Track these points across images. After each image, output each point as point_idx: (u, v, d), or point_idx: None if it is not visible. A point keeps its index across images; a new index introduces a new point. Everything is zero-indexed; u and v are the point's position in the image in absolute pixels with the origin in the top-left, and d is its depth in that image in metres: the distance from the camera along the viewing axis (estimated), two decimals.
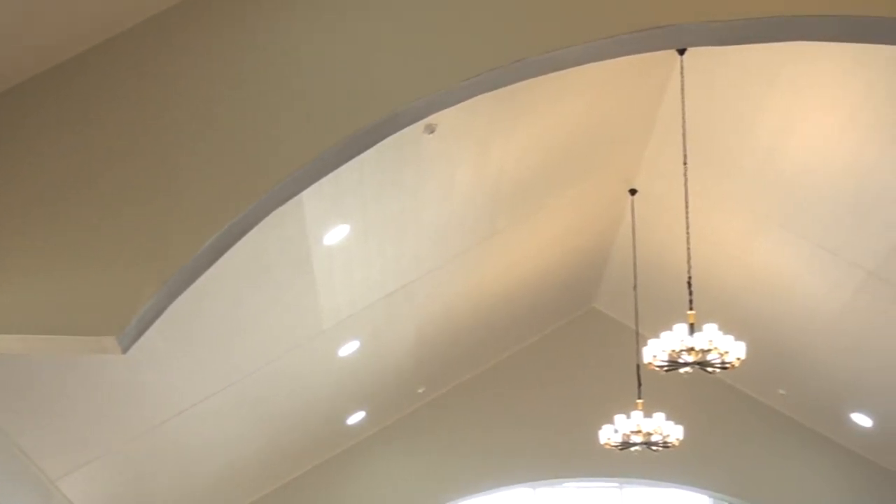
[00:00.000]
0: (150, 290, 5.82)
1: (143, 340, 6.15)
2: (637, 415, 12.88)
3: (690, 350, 10.50)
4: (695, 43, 6.13)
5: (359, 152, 6.12)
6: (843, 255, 11.89)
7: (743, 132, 11.24)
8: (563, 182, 12.44)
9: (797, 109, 10.49)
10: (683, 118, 10.73)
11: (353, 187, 9.64)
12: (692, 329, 10.55)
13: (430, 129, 9.40)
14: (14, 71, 5.99)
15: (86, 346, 5.94)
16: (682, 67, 10.47)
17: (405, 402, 15.93)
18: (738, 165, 11.74)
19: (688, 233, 11.32)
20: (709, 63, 10.38)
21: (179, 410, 11.25)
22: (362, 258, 11.02)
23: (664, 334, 10.64)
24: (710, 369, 10.63)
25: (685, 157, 10.90)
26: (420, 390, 15.76)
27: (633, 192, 13.28)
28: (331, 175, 6.24)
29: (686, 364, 10.58)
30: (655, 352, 10.71)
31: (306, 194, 8.55)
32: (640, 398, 13.33)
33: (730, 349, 10.49)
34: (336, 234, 10.18)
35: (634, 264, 13.95)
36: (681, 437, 12.91)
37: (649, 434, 12.78)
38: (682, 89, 10.57)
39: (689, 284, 10.86)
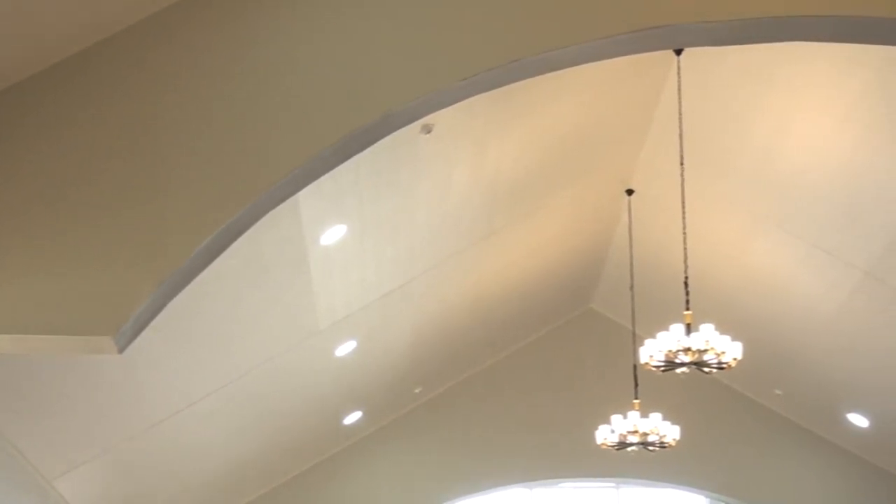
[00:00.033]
0: (146, 290, 5.81)
1: (139, 340, 6.14)
2: (634, 415, 12.88)
3: (687, 350, 10.50)
4: (692, 43, 6.13)
5: (355, 152, 6.11)
6: (839, 255, 11.90)
7: (739, 132, 11.25)
8: (559, 182, 12.44)
9: (793, 109, 10.50)
10: (680, 118, 10.74)
11: (350, 187, 9.63)
12: (689, 329, 10.55)
13: (427, 130, 9.40)
14: (11, 70, 5.99)
15: (82, 346, 5.94)
16: (678, 68, 10.48)
17: (402, 402, 15.93)
18: (735, 166, 11.75)
19: (684, 233, 11.32)
20: (705, 63, 10.38)
21: (175, 410, 11.25)
22: (359, 258, 11.02)
23: (661, 334, 10.64)
24: (706, 369, 10.63)
25: (682, 157, 10.90)
26: (417, 390, 15.76)
27: (629, 192, 13.29)
28: (328, 175, 6.24)
29: (683, 364, 10.58)
30: (652, 352, 10.71)
31: (303, 194, 8.55)
32: (636, 398, 13.33)
33: (726, 349, 10.50)
34: (333, 235, 10.18)
35: (631, 264, 13.96)
36: (677, 437, 12.92)
37: (646, 434, 12.78)
38: (679, 89, 10.58)
39: (686, 284, 10.87)
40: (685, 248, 11.28)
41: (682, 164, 10.94)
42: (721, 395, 16.24)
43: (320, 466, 15.94)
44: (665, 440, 12.81)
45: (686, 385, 14.54)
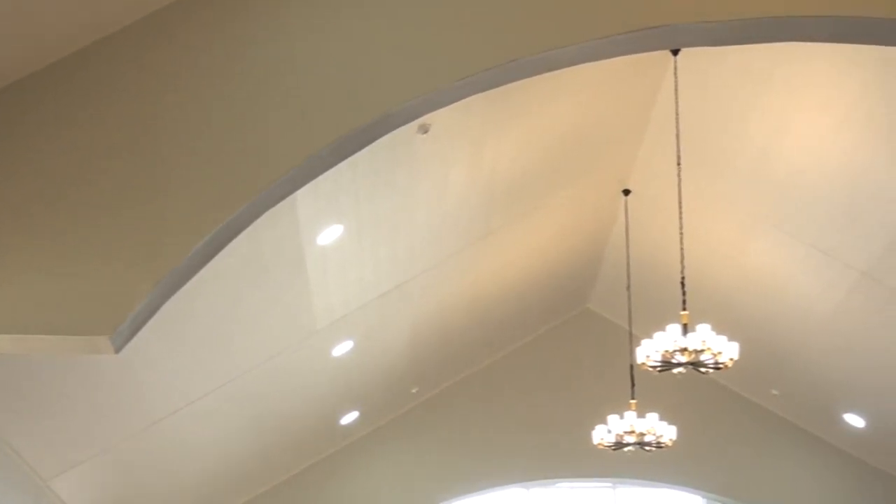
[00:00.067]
0: (143, 290, 5.81)
1: (136, 340, 6.14)
2: (630, 415, 12.88)
3: (684, 350, 10.50)
4: (690, 43, 6.13)
5: (353, 152, 6.11)
6: (836, 255, 11.90)
7: (737, 132, 11.25)
8: (557, 182, 12.44)
9: (791, 110, 10.50)
10: (677, 118, 10.74)
11: (347, 187, 9.63)
12: (685, 329, 10.56)
13: (424, 129, 9.40)
14: (10, 69, 5.98)
15: (79, 345, 5.93)
16: (675, 68, 10.48)
17: (399, 402, 15.93)
18: (732, 166, 11.75)
19: (681, 233, 11.33)
20: (703, 63, 10.38)
21: (173, 410, 11.24)
22: (356, 258, 11.02)
23: (657, 335, 10.64)
24: (703, 370, 10.63)
25: (679, 157, 10.90)
26: (414, 390, 15.75)
27: (626, 192, 13.29)
28: (325, 175, 6.24)
29: (679, 364, 10.58)
30: (649, 352, 10.71)
31: (300, 194, 8.55)
32: (633, 398, 13.33)
33: (723, 349, 10.50)
34: (330, 234, 10.17)
35: (628, 265, 13.96)
36: (674, 437, 12.92)
37: (642, 434, 12.78)
38: (676, 90, 10.58)
39: (683, 285, 10.87)
40: (682, 249, 11.28)
41: (679, 164, 10.94)
42: (718, 395, 16.24)
43: (317, 466, 15.93)
44: (662, 440, 12.82)
45: (683, 385, 14.54)
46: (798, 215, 11.74)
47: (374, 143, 6.18)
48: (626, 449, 12.98)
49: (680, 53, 10.27)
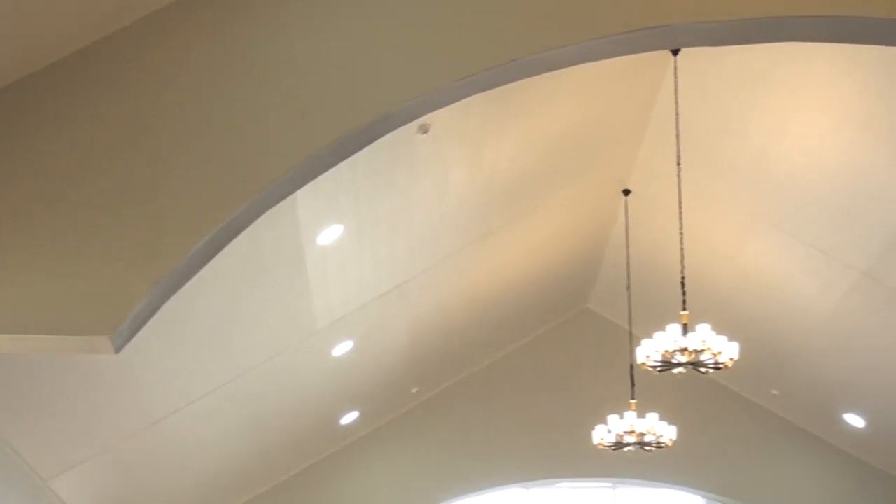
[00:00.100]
0: (143, 290, 5.81)
1: (136, 340, 6.14)
2: (630, 415, 12.88)
3: (684, 350, 10.50)
4: (689, 43, 6.13)
5: (352, 152, 6.11)
6: (836, 255, 11.91)
7: (736, 132, 11.25)
8: (556, 182, 12.44)
9: (791, 110, 10.50)
10: (677, 118, 10.74)
11: (347, 187, 9.63)
12: (685, 329, 10.56)
13: (424, 129, 9.40)
14: (9, 69, 5.98)
15: (79, 345, 5.93)
16: (675, 68, 10.48)
17: (399, 403, 15.93)
18: (732, 166, 11.75)
19: (681, 233, 11.33)
20: (702, 63, 10.38)
21: (172, 410, 11.24)
22: (356, 258, 11.02)
23: (657, 335, 10.64)
24: (703, 370, 10.63)
25: (678, 157, 10.90)
26: (414, 390, 15.75)
27: (626, 192, 13.29)
28: (325, 175, 6.24)
29: (679, 364, 10.58)
30: (649, 352, 10.71)
31: (300, 194, 8.55)
32: (633, 398, 13.33)
33: (723, 349, 10.50)
34: (330, 234, 10.17)
35: (628, 265, 13.96)
36: (674, 437, 12.92)
37: (642, 434, 12.78)
38: (676, 90, 10.58)
39: (683, 285, 10.87)
40: (682, 249, 11.28)
41: (678, 164, 10.94)
42: (718, 395, 16.24)
43: (317, 466, 15.93)
44: (661, 440, 12.82)
45: (682, 385, 14.54)
46: (798, 215, 11.74)
47: (373, 143, 6.18)
48: (626, 449, 12.98)
49: (680, 53, 10.27)
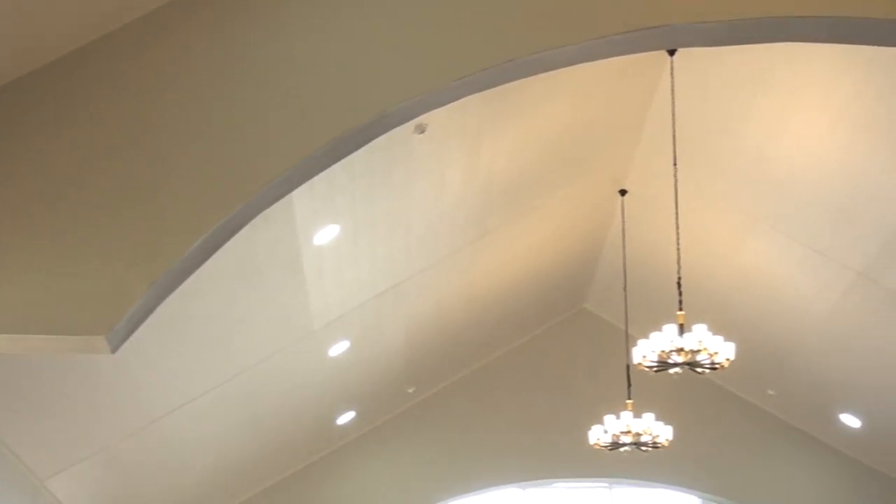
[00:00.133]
0: (139, 290, 5.80)
1: (133, 340, 6.13)
2: (627, 415, 12.88)
3: (680, 350, 10.51)
4: (687, 43, 6.13)
5: (349, 152, 6.11)
6: (832, 255, 11.91)
7: (733, 133, 11.26)
8: (553, 182, 12.44)
9: (788, 110, 10.50)
10: (674, 119, 10.74)
11: (344, 187, 9.63)
12: (682, 330, 10.56)
13: (421, 129, 9.40)
14: (7, 68, 5.97)
15: (75, 345, 5.92)
16: (672, 68, 10.48)
17: (395, 403, 15.92)
18: (729, 166, 11.76)
19: (678, 233, 11.33)
20: (699, 64, 10.38)
21: (169, 410, 11.24)
22: (352, 258, 11.02)
23: (654, 335, 10.64)
24: (699, 370, 10.64)
25: (675, 157, 10.91)
26: (410, 390, 15.75)
27: (623, 192, 13.29)
28: (321, 175, 6.24)
29: (675, 364, 10.59)
30: (645, 352, 10.71)
31: (296, 194, 8.55)
32: (629, 398, 13.33)
33: (719, 350, 10.50)
34: (326, 235, 10.17)
35: (624, 265, 13.96)
36: (670, 437, 12.92)
37: (639, 434, 12.78)
38: (673, 90, 10.58)
39: (679, 285, 10.87)
40: (678, 249, 11.29)
41: (675, 164, 10.94)
42: (714, 395, 16.25)
43: (314, 466, 15.92)
44: (658, 440, 12.82)
45: (679, 385, 14.55)
46: (795, 215, 11.75)
47: (370, 144, 6.17)
48: (622, 449, 12.98)
49: (676, 53, 10.27)
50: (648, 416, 12.88)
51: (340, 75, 5.96)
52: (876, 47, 6.69)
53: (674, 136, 10.80)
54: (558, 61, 5.99)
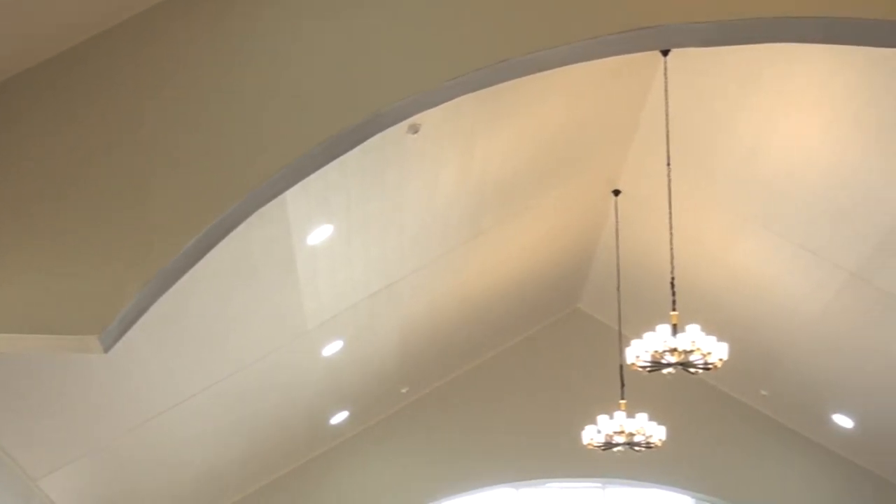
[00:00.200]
0: (132, 289, 5.80)
1: (126, 339, 6.13)
2: (620, 415, 12.90)
3: (673, 351, 10.52)
4: (681, 44, 6.13)
5: (343, 152, 6.11)
6: (825, 255, 11.93)
7: (726, 133, 11.27)
8: (547, 183, 12.45)
9: (781, 110, 10.51)
10: (667, 119, 10.75)
11: (337, 187, 9.63)
12: (675, 330, 10.57)
13: (414, 129, 9.40)
14: (2, 66, 5.97)
15: (67, 345, 5.92)
16: (665, 68, 10.49)
17: (389, 402, 15.92)
18: (722, 166, 11.77)
19: (671, 234, 11.34)
20: (692, 64, 10.39)
21: (162, 410, 11.23)
22: (346, 258, 11.01)
23: (647, 335, 10.65)
24: (692, 370, 10.65)
25: (668, 157, 10.92)
26: (403, 390, 15.75)
27: (616, 192, 13.30)
28: (314, 175, 6.24)
29: (669, 365, 10.60)
30: (638, 352, 10.72)
31: (290, 194, 8.54)
32: (623, 399, 13.34)
33: (712, 350, 10.52)
34: (320, 234, 10.17)
35: (618, 265, 13.97)
36: (663, 437, 12.94)
37: (632, 434, 12.80)
38: (666, 90, 10.59)
39: (673, 285, 10.89)
40: (671, 249, 11.30)
41: (668, 164, 10.95)
42: (707, 395, 16.27)
43: (307, 466, 15.92)
44: (651, 440, 12.83)
45: (672, 385, 14.56)
46: (787, 215, 11.77)
47: (364, 144, 6.17)
48: (615, 449, 12.99)
49: (670, 54, 10.28)
50: (642, 417, 12.89)
51: (335, 74, 5.96)
52: (868, 48, 6.69)
53: (667, 137, 10.81)
54: (552, 61, 5.99)
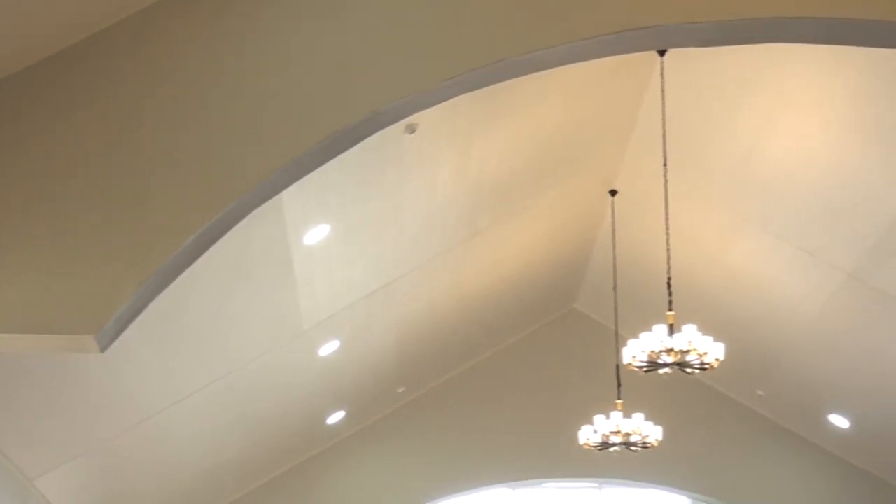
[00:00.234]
0: (129, 289, 5.79)
1: (122, 339, 6.12)
2: (616, 415, 12.90)
3: (670, 351, 10.52)
4: (679, 44, 6.13)
5: (340, 152, 6.10)
6: (822, 256, 11.93)
7: (723, 133, 11.27)
8: (544, 183, 12.45)
9: (778, 110, 10.51)
10: (664, 119, 10.75)
11: (334, 187, 9.62)
12: (671, 330, 10.58)
13: (411, 129, 9.39)
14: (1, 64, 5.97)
15: (64, 344, 5.91)
16: (662, 68, 10.49)
17: (385, 402, 15.92)
18: (719, 166, 11.77)
19: (667, 234, 11.34)
20: (689, 64, 10.39)
21: (159, 409, 11.22)
22: (343, 258, 11.01)
23: (644, 335, 10.66)
24: (689, 370, 10.65)
25: (665, 157, 10.92)
26: (400, 390, 15.75)
27: (613, 192, 13.30)
28: (311, 174, 6.23)
29: (665, 365, 10.60)
30: (635, 352, 10.73)
31: (287, 194, 8.53)
32: (619, 399, 13.34)
33: (709, 350, 10.52)
34: (316, 234, 10.16)
35: (614, 265, 13.97)
36: (660, 437, 12.94)
37: (628, 434, 12.80)
38: (663, 90, 10.59)
39: (669, 285, 10.89)
40: (668, 249, 11.30)
41: (665, 164, 10.95)
42: (703, 395, 16.27)
43: (303, 466, 15.91)
44: (647, 440, 12.83)
45: (668, 386, 14.55)
46: (785, 216, 11.77)
47: (361, 143, 6.17)
48: (612, 449, 12.99)
49: (667, 54, 10.28)
50: (638, 417, 12.89)
51: (331, 75, 5.96)
52: (868, 48, 6.69)
53: (664, 137, 10.81)
54: (549, 61, 5.99)
